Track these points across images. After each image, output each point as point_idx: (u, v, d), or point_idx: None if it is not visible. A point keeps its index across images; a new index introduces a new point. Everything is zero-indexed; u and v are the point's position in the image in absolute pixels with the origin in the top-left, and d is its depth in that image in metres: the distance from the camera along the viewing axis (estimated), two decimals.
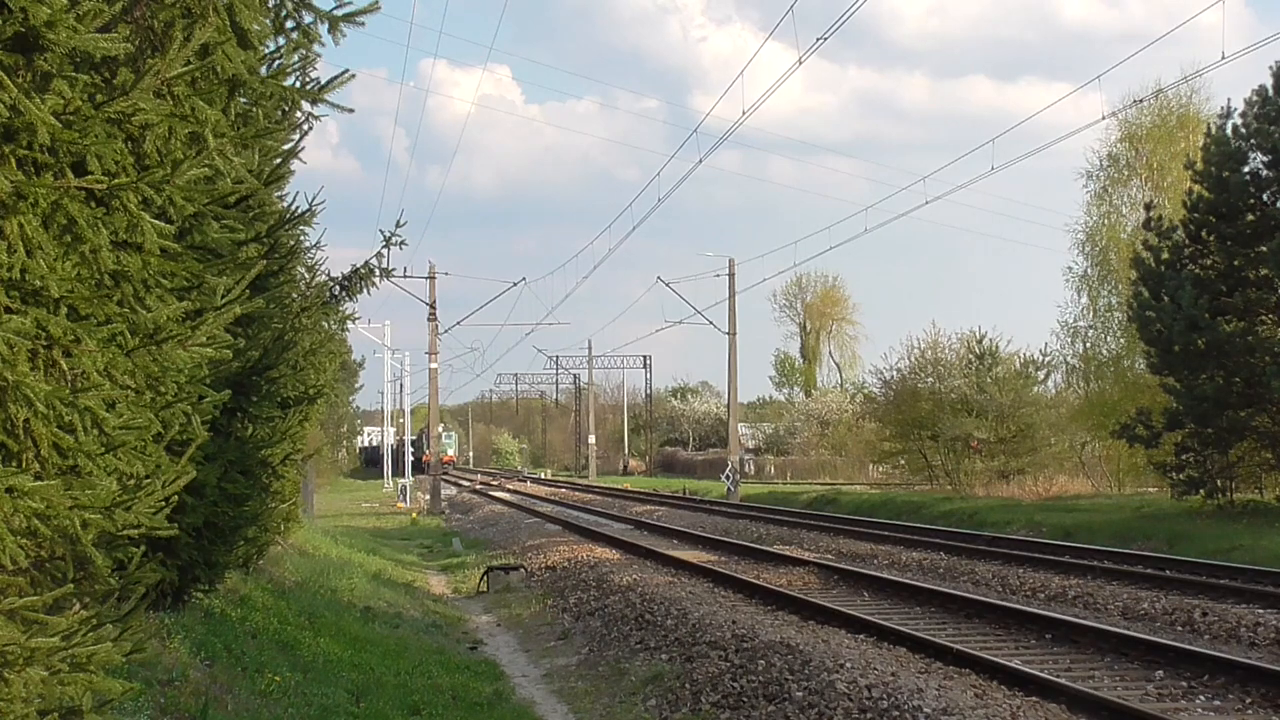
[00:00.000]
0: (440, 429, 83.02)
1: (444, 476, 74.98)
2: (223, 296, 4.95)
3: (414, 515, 39.64)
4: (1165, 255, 23.74)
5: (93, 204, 4.00)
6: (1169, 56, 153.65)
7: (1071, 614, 13.18)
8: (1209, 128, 24.43)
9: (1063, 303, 67.81)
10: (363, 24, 5.40)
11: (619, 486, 54.49)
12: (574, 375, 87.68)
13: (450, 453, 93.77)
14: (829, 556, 20.28)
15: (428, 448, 66.23)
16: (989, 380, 39.71)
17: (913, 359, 42.42)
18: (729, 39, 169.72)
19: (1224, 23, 32.40)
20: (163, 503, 4.43)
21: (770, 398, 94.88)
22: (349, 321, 19.42)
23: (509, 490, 53.30)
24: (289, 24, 5.40)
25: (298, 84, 5.59)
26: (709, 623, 12.15)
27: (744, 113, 28.52)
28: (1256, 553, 17.94)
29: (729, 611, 13.09)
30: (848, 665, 9.48)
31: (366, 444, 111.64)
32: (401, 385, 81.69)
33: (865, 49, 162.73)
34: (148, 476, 4.44)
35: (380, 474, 71.50)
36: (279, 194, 11.25)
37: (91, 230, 3.97)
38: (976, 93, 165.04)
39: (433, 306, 45.78)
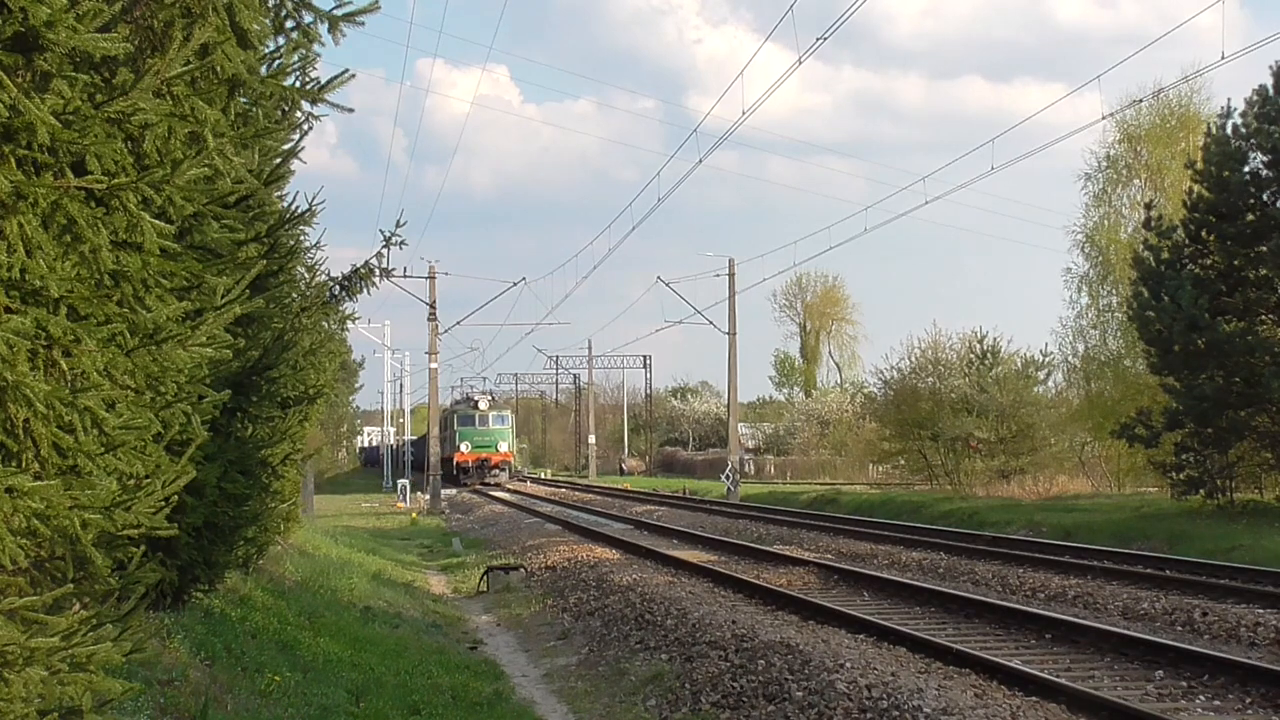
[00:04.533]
0: (485, 403, 59.28)
1: (497, 486, 54.10)
2: (223, 296, 4.95)
3: (414, 515, 39.64)
4: (1165, 255, 23.72)
5: (92, 204, 4.00)
6: (1167, 57, 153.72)
7: (1071, 614, 13.18)
8: (1209, 127, 24.40)
9: (1063, 303, 67.87)
10: (362, 24, 5.41)
11: (619, 486, 54.45)
12: (574, 375, 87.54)
13: (504, 448, 59.54)
14: (829, 556, 20.28)
15: (453, 446, 57.31)
16: (990, 380, 39.70)
17: (913, 359, 42.46)
18: (724, 40, 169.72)
19: (1223, 23, 32.45)
20: (163, 503, 4.43)
21: (770, 398, 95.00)
22: (349, 321, 19.44)
23: (509, 490, 53.20)
24: (289, 24, 5.40)
25: (297, 84, 5.59)
26: (709, 622, 12.15)
27: (744, 112, 28.57)
28: (1256, 553, 17.94)
29: (729, 611, 13.09)
30: (848, 665, 9.49)
31: (366, 444, 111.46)
32: (401, 385, 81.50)
33: (860, 50, 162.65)
34: (148, 476, 4.44)
35: (380, 473, 70.53)
36: (279, 194, 11.24)
37: (91, 230, 3.97)
38: (972, 93, 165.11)
39: (433, 306, 45.80)
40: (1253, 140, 22.70)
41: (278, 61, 5.59)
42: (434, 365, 48.35)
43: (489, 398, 62.27)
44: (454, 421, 59.32)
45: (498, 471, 57.96)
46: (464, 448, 57.95)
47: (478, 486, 55.07)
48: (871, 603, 14.96)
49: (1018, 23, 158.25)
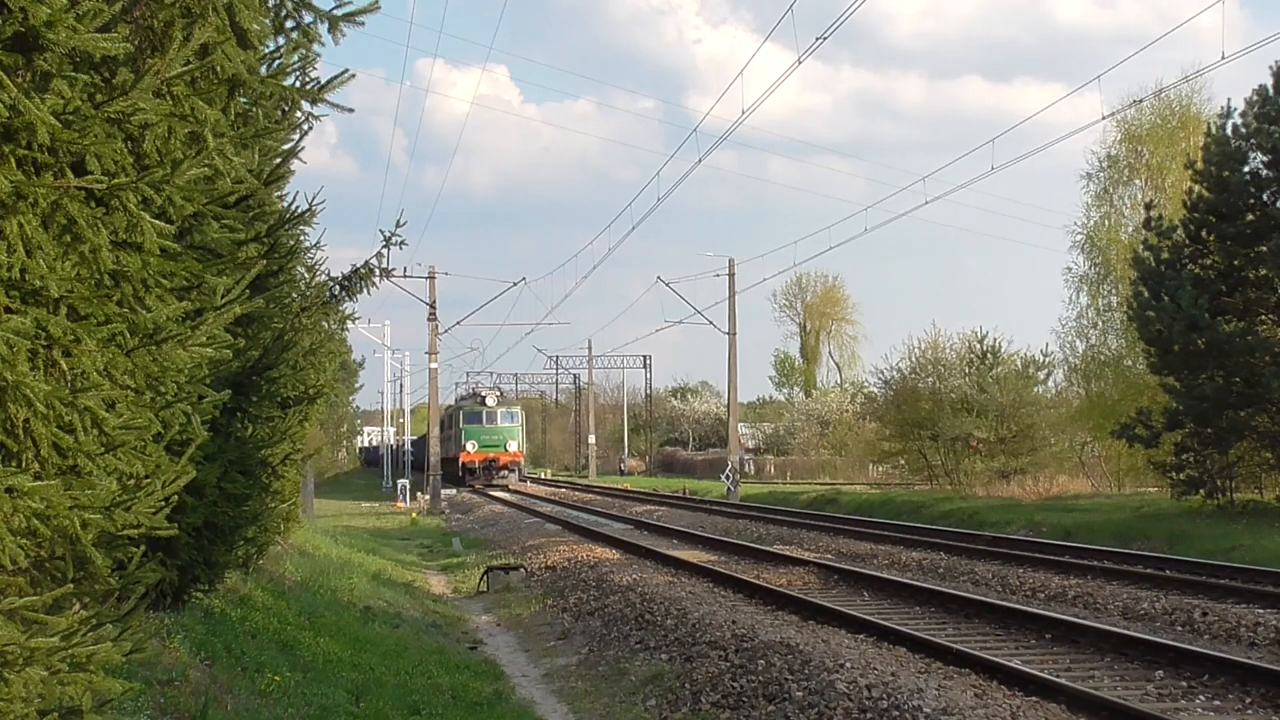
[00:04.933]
0: (494, 399, 55.75)
1: (499, 487, 51.31)
2: (223, 296, 4.95)
3: (414, 515, 39.65)
4: (1165, 255, 23.73)
5: (92, 204, 4.00)
6: (1167, 57, 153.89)
7: (1071, 614, 13.18)
8: (1209, 127, 24.40)
9: (1063, 303, 67.85)
10: (362, 24, 5.42)
11: (619, 486, 54.42)
12: (574, 375, 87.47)
13: (514, 447, 55.61)
14: (829, 556, 20.28)
15: (458, 445, 55.43)
16: (990, 380, 39.71)
17: (913, 359, 42.46)
18: (723, 40, 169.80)
19: (1223, 23, 32.46)
20: (163, 503, 4.43)
21: (770, 398, 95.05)
22: (349, 321, 19.44)
23: (509, 490, 53.08)
24: (289, 24, 5.41)
25: (297, 84, 5.60)
26: (709, 622, 12.15)
27: (744, 112, 28.54)
28: (1256, 553, 17.94)
29: (729, 611, 13.09)
30: (848, 665, 9.49)
31: (366, 444, 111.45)
32: (401, 385, 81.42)
33: (859, 50, 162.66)
34: (148, 476, 4.44)
35: (380, 474, 70.34)
36: (279, 194, 11.24)
37: (91, 230, 3.97)
38: (972, 93, 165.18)
39: (433, 306, 45.80)
40: (1253, 140, 22.71)
41: (278, 61, 5.59)
42: (434, 365, 48.36)
43: (497, 393, 57.81)
44: (459, 419, 56.01)
45: (506, 473, 54.12)
46: (470, 447, 54.71)
47: (479, 487, 53.34)
48: (871, 603, 14.95)
49: (1018, 23, 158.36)
